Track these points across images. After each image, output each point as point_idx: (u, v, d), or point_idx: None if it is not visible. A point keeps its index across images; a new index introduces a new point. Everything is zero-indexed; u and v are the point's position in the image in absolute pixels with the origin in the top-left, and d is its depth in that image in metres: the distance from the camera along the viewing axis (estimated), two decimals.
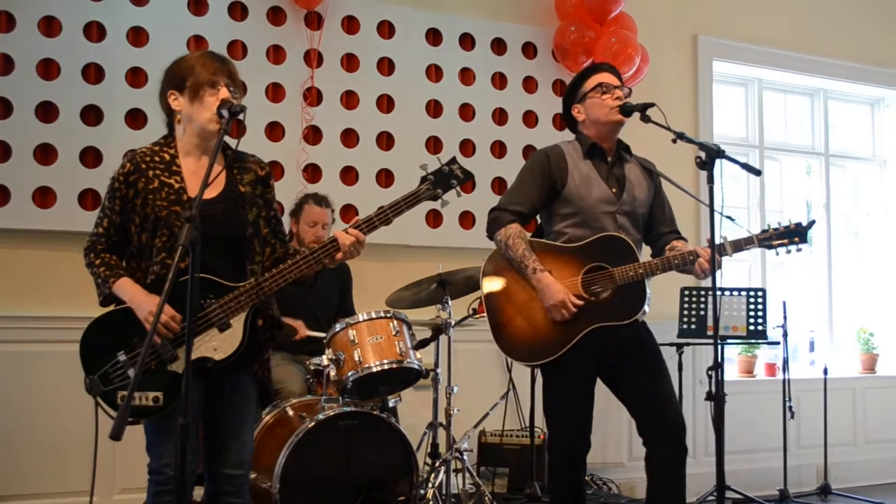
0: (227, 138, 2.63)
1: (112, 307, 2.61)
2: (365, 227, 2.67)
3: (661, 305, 4.99)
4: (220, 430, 2.69)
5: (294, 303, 4.01)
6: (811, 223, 3.07)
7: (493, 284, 3.27)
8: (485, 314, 3.27)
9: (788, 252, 3.06)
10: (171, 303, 2.44)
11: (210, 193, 2.60)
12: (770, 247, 3.06)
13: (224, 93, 2.59)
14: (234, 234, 2.64)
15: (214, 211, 2.59)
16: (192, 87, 2.59)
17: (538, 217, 3.39)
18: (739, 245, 3.07)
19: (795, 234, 3.05)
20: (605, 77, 3.27)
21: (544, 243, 3.23)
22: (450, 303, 4.10)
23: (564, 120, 3.44)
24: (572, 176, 3.21)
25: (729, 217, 3.02)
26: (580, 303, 3.08)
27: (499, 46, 5.41)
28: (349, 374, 3.66)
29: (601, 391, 3.25)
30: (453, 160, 2.79)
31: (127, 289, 2.56)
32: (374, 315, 3.78)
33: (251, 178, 2.71)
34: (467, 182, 2.80)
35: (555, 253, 3.17)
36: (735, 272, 6.20)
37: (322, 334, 3.98)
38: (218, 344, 2.57)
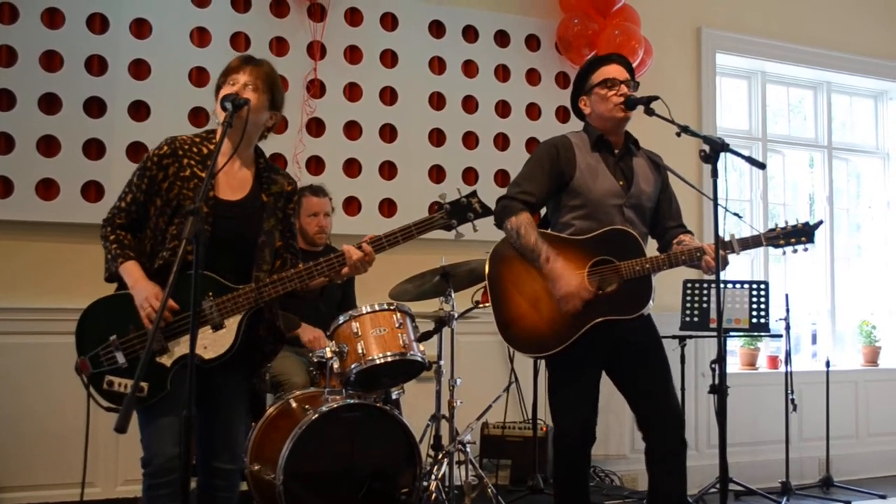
0: (259, 144, 2.70)
1: (114, 291, 2.63)
2: (373, 245, 2.68)
3: (663, 298, 4.97)
4: (214, 426, 2.70)
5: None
6: (818, 223, 3.09)
7: (497, 275, 3.26)
8: (489, 303, 3.26)
9: (795, 251, 3.09)
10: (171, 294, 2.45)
11: (235, 196, 2.65)
12: (777, 245, 3.09)
13: (236, 88, 2.60)
14: (245, 239, 2.65)
15: (235, 213, 2.62)
16: (217, 87, 2.67)
17: (544, 208, 3.38)
18: (747, 243, 3.09)
19: (802, 234, 3.07)
20: (613, 71, 3.25)
21: (550, 234, 3.21)
22: (453, 295, 4.09)
23: (573, 110, 3.42)
24: (580, 168, 3.20)
25: (736, 214, 3.05)
26: (592, 293, 3.08)
27: (502, 39, 5.40)
28: (352, 366, 3.65)
29: (603, 384, 3.24)
30: (473, 193, 2.79)
31: (131, 273, 2.57)
32: (377, 307, 3.77)
33: (277, 190, 2.74)
34: (485, 217, 2.81)
35: (561, 245, 3.16)
36: (737, 265, 6.20)
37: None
38: (209, 343, 2.56)
